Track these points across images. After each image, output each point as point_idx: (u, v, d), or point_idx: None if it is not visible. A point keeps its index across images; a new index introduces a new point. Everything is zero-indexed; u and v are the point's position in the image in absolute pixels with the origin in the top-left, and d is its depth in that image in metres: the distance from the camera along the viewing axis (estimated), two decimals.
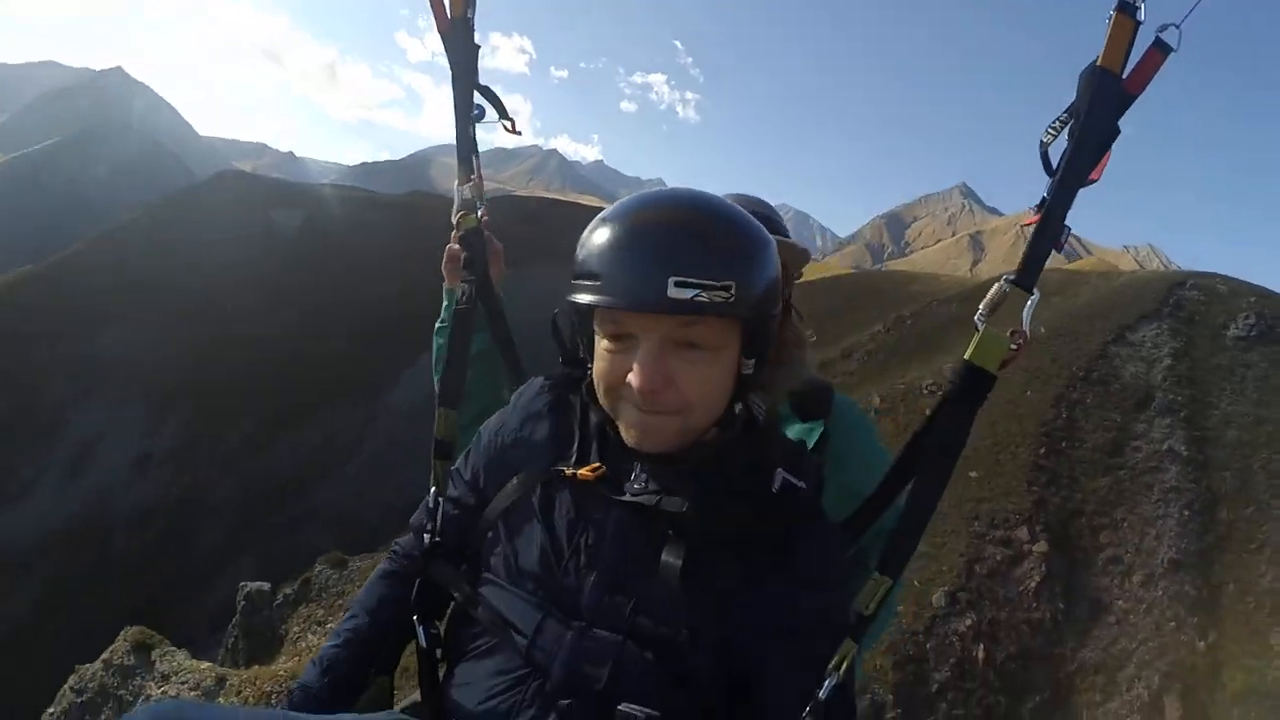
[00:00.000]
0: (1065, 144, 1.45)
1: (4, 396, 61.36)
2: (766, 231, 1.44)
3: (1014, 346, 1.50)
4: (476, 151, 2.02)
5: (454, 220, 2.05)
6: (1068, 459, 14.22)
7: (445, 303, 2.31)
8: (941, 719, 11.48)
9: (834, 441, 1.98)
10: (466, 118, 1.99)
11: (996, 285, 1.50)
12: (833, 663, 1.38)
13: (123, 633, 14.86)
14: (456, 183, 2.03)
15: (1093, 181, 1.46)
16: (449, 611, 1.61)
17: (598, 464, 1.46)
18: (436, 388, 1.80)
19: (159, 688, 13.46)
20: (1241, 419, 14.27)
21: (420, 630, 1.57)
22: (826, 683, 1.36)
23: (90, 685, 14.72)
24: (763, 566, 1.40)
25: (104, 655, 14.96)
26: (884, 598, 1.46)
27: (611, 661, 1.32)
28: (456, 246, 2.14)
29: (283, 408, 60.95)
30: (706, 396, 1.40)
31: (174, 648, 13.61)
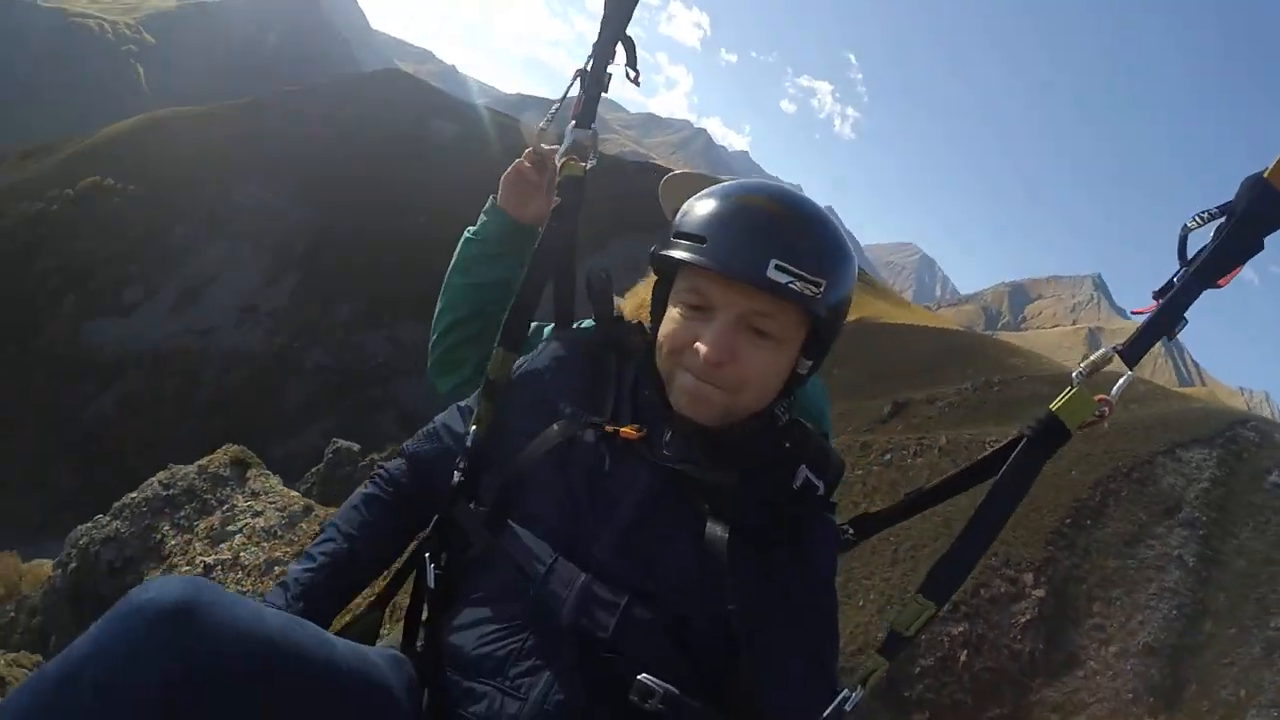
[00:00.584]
0: (1208, 240, 1.43)
1: (133, 224, 65.27)
2: (851, 258, 1.48)
3: (1097, 414, 1.50)
4: (597, 96, 1.93)
5: (558, 161, 1.92)
6: (1087, 535, 15.16)
7: (484, 218, 2.24)
8: (915, 697, 12.55)
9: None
10: (604, 63, 1.91)
11: (1102, 350, 1.51)
12: (859, 677, 1.40)
13: (223, 448, 15.56)
14: (572, 124, 1.93)
15: (1219, 286, 1.44)
16: (450, 553, 1.57)
17: (639, 425, 1.47)
18: (502, 327, 1.66)
19: (246, 501, 14.07)
20: (1253, 553, 15.10)
21: (430, 569, 1.54)
22: (852, 695, 1.37)
23: (180, 483, 15.33)
24: (777, 557, 1.43)
25: (200, 461, 15.64)
26: (925, 623, 1.45)
27: (619, 613, 1.33)
28: (530, 169, 2.14)
29: (389, 298, 62.68)
30: (762, 383, 1.45)
31: (269, 471, 14.38)
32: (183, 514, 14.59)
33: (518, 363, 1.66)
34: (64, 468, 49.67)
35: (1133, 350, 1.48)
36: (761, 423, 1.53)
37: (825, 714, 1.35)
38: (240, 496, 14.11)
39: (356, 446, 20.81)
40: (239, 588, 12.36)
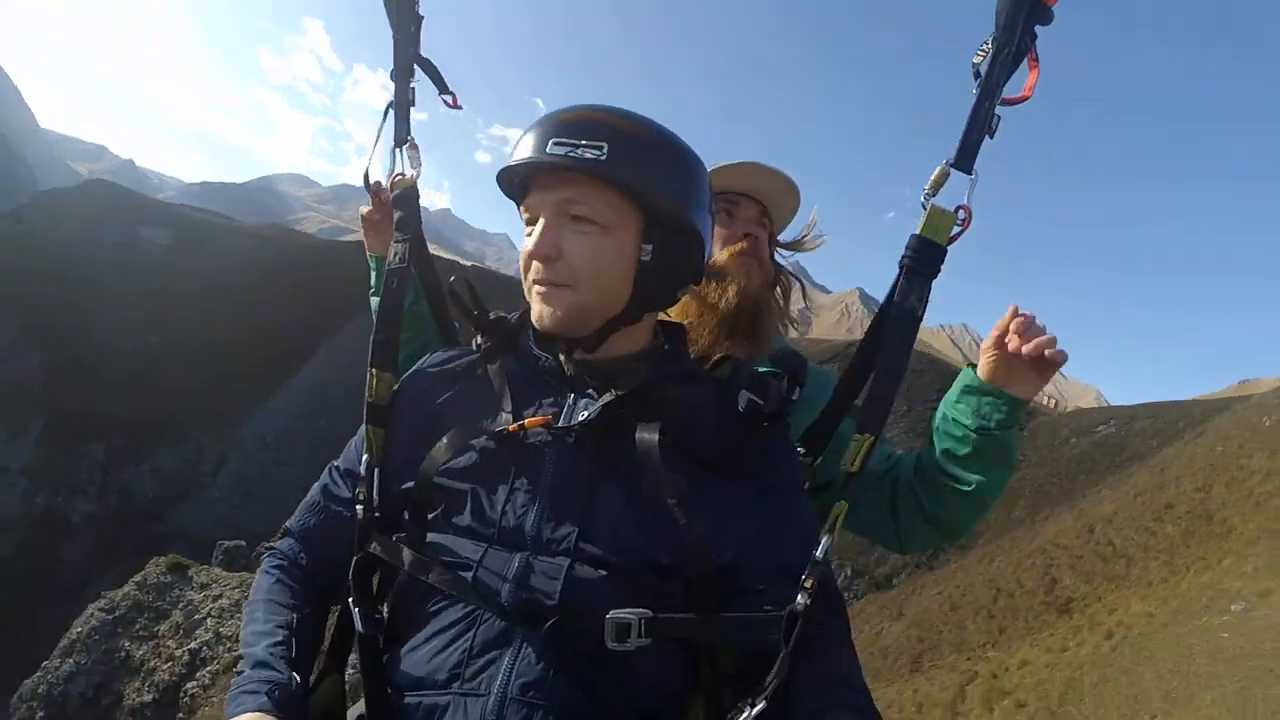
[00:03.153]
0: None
1: None
2: (692, 151, 1.52)
3: (960, 221, 1.63)
4: (409, 114, 2.00)
5: (386, 181, 2.01)
6: None
7: (373, 269, 2.34)
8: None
9: (804, 391, 1.83)
10: (406, 79, 1.99)
11: (939, 168, 1.62)
12: (826, 523, 1.45)
13: (152, 562, 17.69)
14: (393, 143, 1.98)
15: (1025, 99, 1.65)
16: (387, 592, 1.49)
17: (545, 416, 1.45)
18: (371, 346, 1.65)
19: (200, 593, 16.50)
20: None
21: (357, 614, 1.44)
22: (822, 541, 1.41)
23: (122, 604, 17.14)
24: (726, 475, 1.44)
25: (134, 579, 17.60)
26: (867, 453, 1.53)
27: (562, 579, 1.31)
28: (372, 210, 2.26)
29: (140, 426, 61.26)
30: (597, 270, 1.43)
31: (209, 565, 16.81)
32: (138, 626, 16.73)
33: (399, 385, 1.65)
34: None
35: (962, 159, 1.62)
36: (644, 339, 1.57)
37: (806, 569, 1.36)
38: (191, 591, 16.53)
39: (243, 542, 22.68)
40: (232, 656, 14.64)
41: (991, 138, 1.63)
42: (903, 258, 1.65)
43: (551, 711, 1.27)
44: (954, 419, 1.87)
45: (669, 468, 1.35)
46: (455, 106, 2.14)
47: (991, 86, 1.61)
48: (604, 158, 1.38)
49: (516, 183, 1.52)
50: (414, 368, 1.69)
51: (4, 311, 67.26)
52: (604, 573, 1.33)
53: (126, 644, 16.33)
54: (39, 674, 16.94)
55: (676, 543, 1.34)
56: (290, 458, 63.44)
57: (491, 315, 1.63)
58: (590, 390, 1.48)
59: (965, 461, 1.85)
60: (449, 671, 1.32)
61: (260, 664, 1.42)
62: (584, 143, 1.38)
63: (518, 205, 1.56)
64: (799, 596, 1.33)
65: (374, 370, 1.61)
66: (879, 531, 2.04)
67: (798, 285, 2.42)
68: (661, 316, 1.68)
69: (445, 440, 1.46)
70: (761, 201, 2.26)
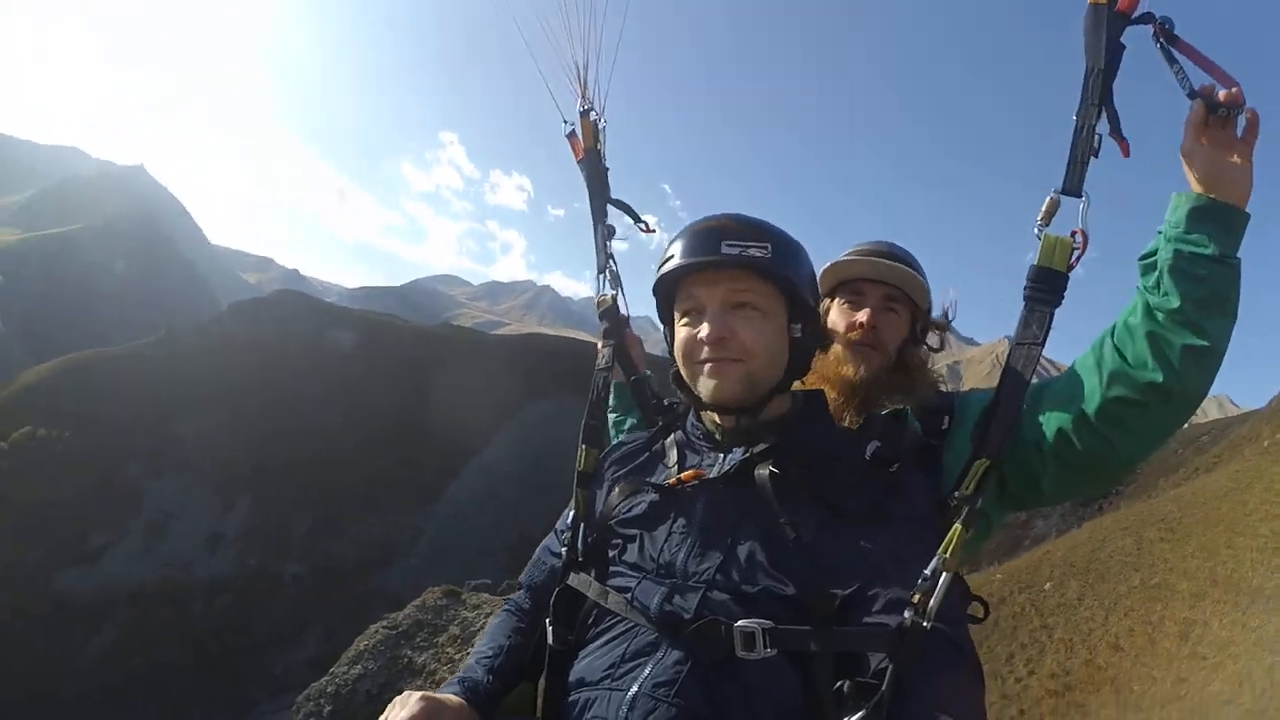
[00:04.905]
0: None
1: (83, 470, 68.48)
2: (799, 242, 1.78)
3: (1077, 245, 1.70)
4: (608, 247, 2.43)
5: (596, 299, 2.46)
6: None
7: (613, 394, 2.65)
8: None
9: (952, 430, 2.03)
10: (602, 223, 2.43)
11: (1049, 197, 1.72)
12: (941, 546, 1.52)
13: (428, 590, 21.35)
14: (595, 270, 2.43)
15: (1125, 150, 1.71)
16: (578, 616, 1.78)
17: (699, 471, 1.75)
18: (582, 429, 2.10)
19: (472, 612, 19.74)
20: None
21: (549, 631, 1.77)
22: (933, 561, 1.49)
23: (404, 621, 20.53)
24: (856, 515, 1.61)
25: (414, 603, 21.21)
26: (981, 478, 1.64)
27: (698, 599, 1.55)
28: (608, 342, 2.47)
29: (340, 499, 68.83)
30: (764, 347, 1.71)
31: (476, 591, 20.55)
32: (419, 639, 19.89)
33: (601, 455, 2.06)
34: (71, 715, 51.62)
35: (1070, 183, 1.70)
36: (794, 405, 1.85)
37: (915, 586, 1.46)
38: (465, 610, 19.74)
39: (488, 580, 26.47)
40: None
41: (1096, 157, 1.70)
42: (1025, 288, 1.76)
43: (675, 708, 1.48)
44: (1194, 253, 1.66)
45: (794, 507, 1.57)
46: (649, 232, 2.48)
47: (1088, 107, 1.72)
48: (769, 256, 1.69)
49: (670, 281, 1.81)
50: (614, 443, 2.13)
51: (214, 400, 76.92)
52: (734, 596, 1.55)
53: (409, 652, 19.29)
54: (326, 678, 20.24)
55: (799, 574, 1.54)
56: (477, 527, 70.05)
57: (666, 401, 2.04)
58: (737, 448, 1.76)
59: (1205, 307, 1.64)
60: (603, 671, 1.60)
61: (468, 669, 1.87)
62: (752, 244, 1.69)
63: (663, 300, 1.88)
64: (906, 612, 1.44)
65: (584, 447, 2.07)
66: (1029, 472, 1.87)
67: (947, 340, 2.52)
68: (798, 385, 1.95)
69: (616, 494, 1.85)
70: (895, 284, 2.33)
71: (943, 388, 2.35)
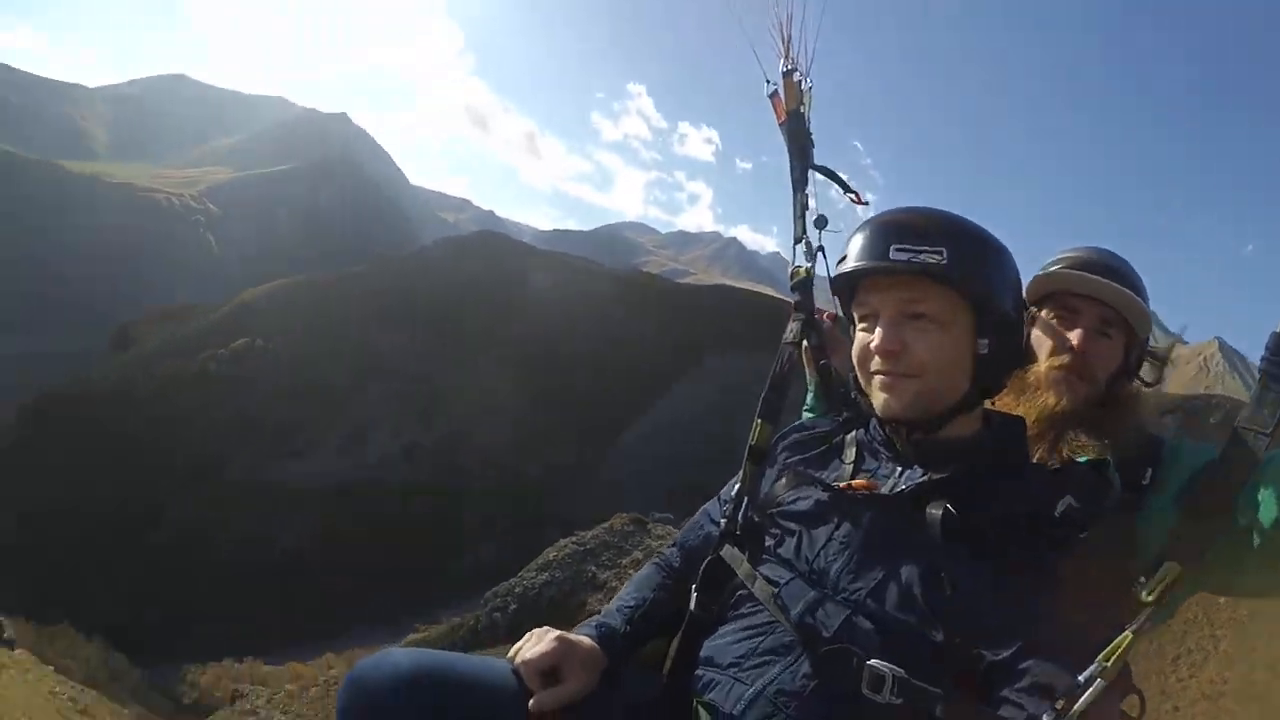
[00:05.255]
0: None
1: (294, 378, 75.56)
2: (999, 242, 1.66)
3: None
4: (806, 216, 2.25)
5: (789, 270, 2.27)
6: None
7: (810, 389, 2.51)
8: None
9: (1154, 486, 1.84)
10: (802, 189, 2.27)
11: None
12: (1104, 654, 1.35)
13: (616, 515, 21.43)
14: (793, 242, 2.27)
15: None
16: (722, 589, 1.77)
17: (869, 478, 1.68)
18: (760, 402, 1.98)
19: (656, 541, 20.15)
20: None
21: (694, 598, 1.78)
22: (1085, 673, 1.33)
23: (591, 540, 21.00)
24: (1029, 573, 1.46)
25: (602, 525, 21.46)
26: (1170, 586, 1.47)
27: (843, 619, 1.48)
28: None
29: (536, 427, 72.59)
30: (940, 362, 1.59)
31: (662, 521, 21.63)
32: (604, 558, 20.78)
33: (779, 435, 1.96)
34: (264, 592, 56.95)
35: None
36: (979, 426, 1.72)
37: (1068, 681, 1.33)
38: (650, 539, 20.52)
39: (671, 515, 26.94)
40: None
41: None
42: (1261, 360, 1.56)
43: None
44: None
45: (966, 552, 1.48)
46: (860, 203, 2.33)
47: None
48: (944, 263, 1.55)
49: (846, 282, 1.72)
50: (791, 425, 2.03)
51: (415, 323, 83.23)
52: (878, 628, 1.47)
53: (593, 568, 20.33)
54: (514, 580, 21.51)
55: (952, 623, 1.44)
56: (649, 471, 71.38)
57: (854, 394, 1.81)
58: (917, 467, 1.65)
59: None
60: (733, 658, 1.60)
61: (607, 615, 1.89)
62: (925, 249, 1.55)
63: (843, 298, 1.79)
64: (1045, 717, 1.31)
65: (759, 420, 1.95)
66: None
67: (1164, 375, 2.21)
68: (997, 407, 1.84)
69: (784, 481, 1.80)
70: (1113, 306, 2.05)
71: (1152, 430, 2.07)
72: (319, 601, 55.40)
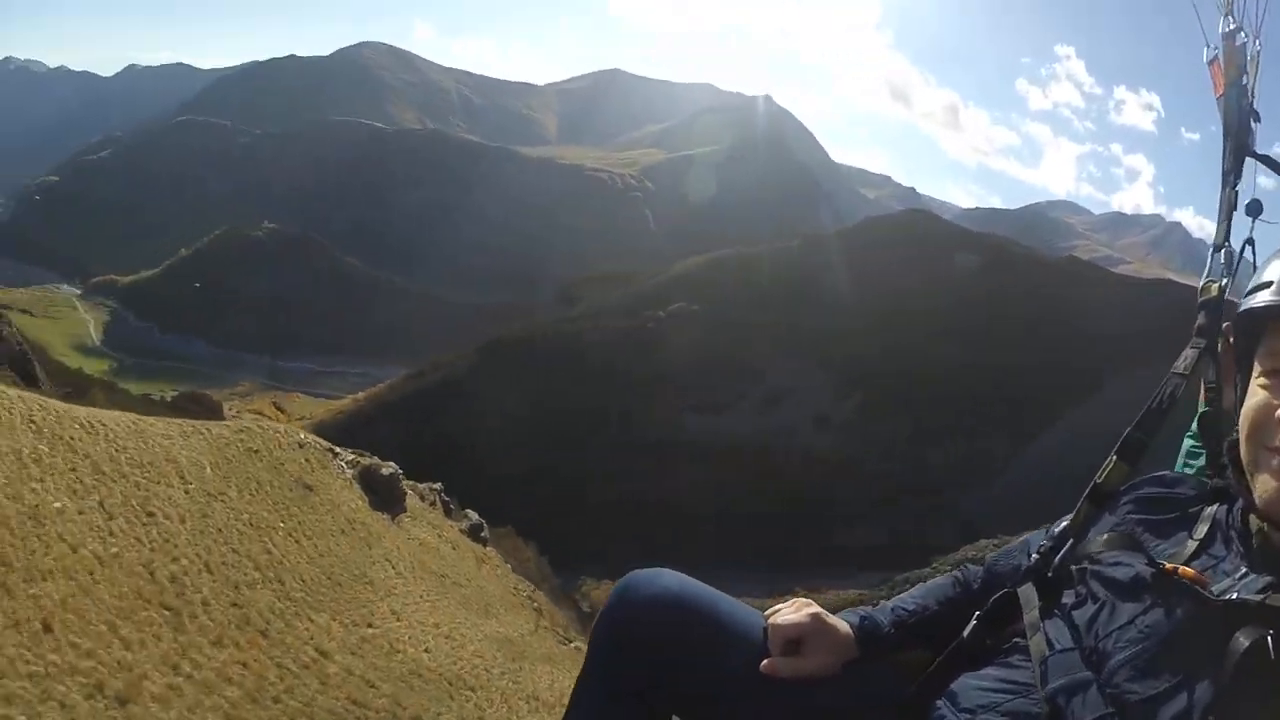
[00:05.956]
0: None
1: (717, 341, 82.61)
2: None
3: None
4: (1232, 216, 1.80)
5: (1199, 287, 1.81)
6: None
7: (1197, 420, 1.91)
8: None
9: None
10: (1230, 179, 1.82)
11: None
12: None
13: (1023, 536, 24.26)
14: (1211, 249, 1.80)
15: None
16: (995, 621, 1.63)
17: (1204, 569, 1.34)
18: (1122, 437, 1.65)
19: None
20: None
21: (972, 624, 1.62)
22: None
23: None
24: None
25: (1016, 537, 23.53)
26: None
27: (1094, 718, 1.27)
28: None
29: (941, 419, 72.83)
30: None
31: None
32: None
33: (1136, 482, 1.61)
34: (662, 530, 62.25)
35: None
36: None
37: None
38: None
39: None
40: None
41: None
42: None
43: None
44: None
45: (1268, 690, 1.17)
46: None
47: None
48: None
49: (1256, 319, 1.40)
50: (1151, 474, 1.67)
51: (837, 301, 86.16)
52: None
53: None
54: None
55: None
56: (1058, 478, 68.10)
57: (1224, 461, 1.50)
58: (1264, 576, 1.29)
59: None
60: (974, 705, 1.45)
61: (880, 610, 1.80)
62: None
63: (1243, 337, 1.46)
64: None
65: (1114, 458, 1.64)
66: None
67: None
68: None
69: (1112, 537, 1.52)
70: None
71: None
72: (705, 547, 60.99)
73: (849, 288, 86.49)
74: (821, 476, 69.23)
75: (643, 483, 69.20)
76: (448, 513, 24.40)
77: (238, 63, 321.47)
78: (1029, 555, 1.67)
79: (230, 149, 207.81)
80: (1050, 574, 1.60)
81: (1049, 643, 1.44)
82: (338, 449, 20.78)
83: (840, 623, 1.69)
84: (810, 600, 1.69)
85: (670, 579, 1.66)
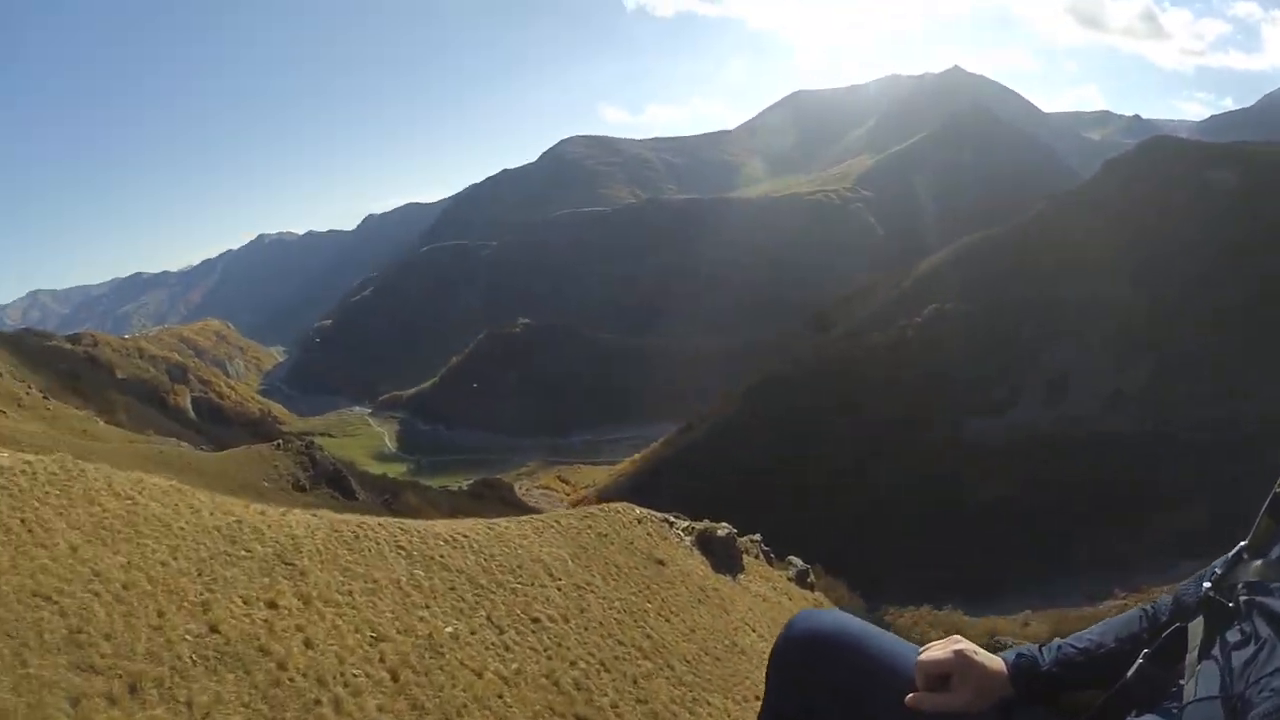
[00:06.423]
0: None
1: (982, 334, 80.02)
2: None
3: None
4: None
5: None
6: None
7: None
8: None
9: None
10: None
11: None
12: None
13: None
14: None
15: None
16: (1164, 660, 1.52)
17: None
18: None
19: None
20: None
21: (1138, 664, 1.54)
22: None
23: None
24: None
25: None
26: None
27: None
28: None
29: (1244, 369, 65.80)
30: None
31: None
32: None
33: None
34: (964, 543, 61.09)
35: None
36: None
37: None
38: None
39: None
40: None
41: None
42: None
43: None
44: None
45: None
46: None
47: None
48: None
49: None
50: None
51: (1097, 262, 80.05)
52: None
53: None
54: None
55: None
56: None
57: None
58: None
59: None
60: None
61: (1046, 648, 1.75)
62: None
63: None
64: None
65: (1266, 515, 1.49)
66: None
67: None
68: None
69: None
70: None
71: None
72: (1020, 555, 58.45)
73: (1099, 244, 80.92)
74: (1125, 459, 64.87)
75: (940, 492, 68.16)
76: (769, 562, 25.43)
77: (459, 189, 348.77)
78: (1206, 581, 1.57)
79: (473, 262, 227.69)
80: (1229, 604, 1.47)
81: (1204, 682, 1.35)
82: (672, 518, 21.93)
83: (993, 659, 1.68)
84: (960, 636, 1.70)
85: (827, 619, 1.81)
